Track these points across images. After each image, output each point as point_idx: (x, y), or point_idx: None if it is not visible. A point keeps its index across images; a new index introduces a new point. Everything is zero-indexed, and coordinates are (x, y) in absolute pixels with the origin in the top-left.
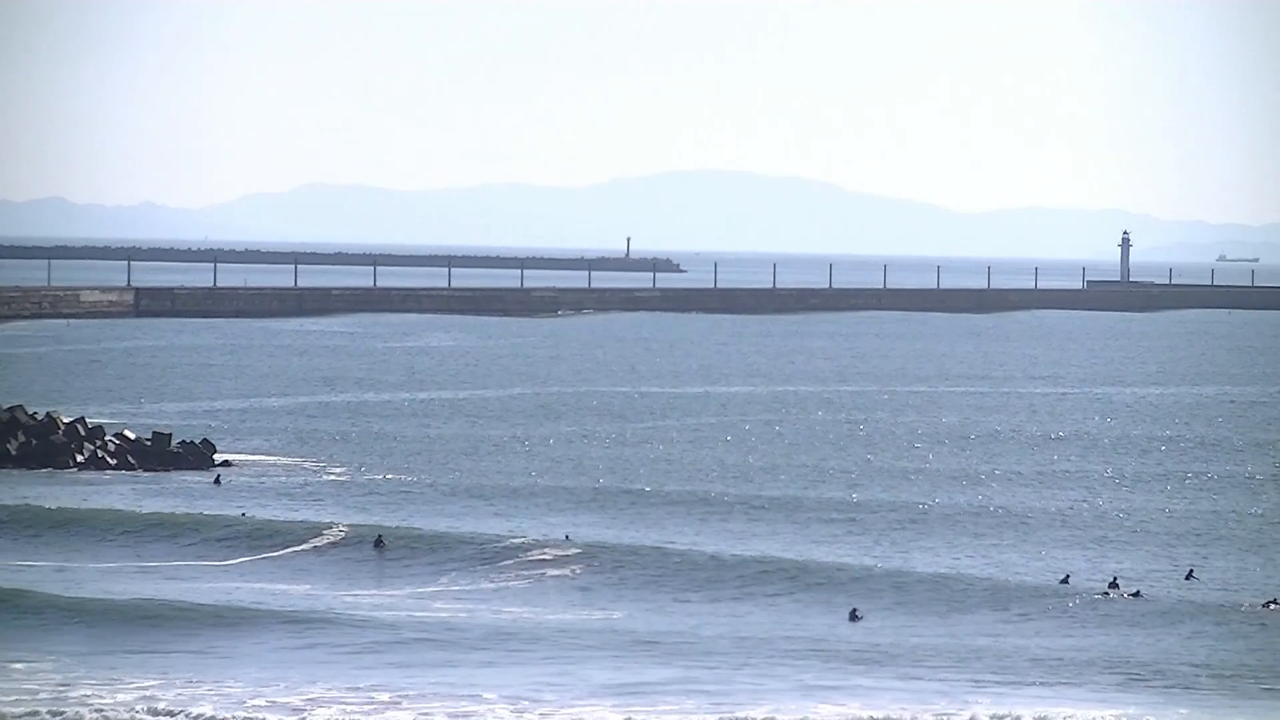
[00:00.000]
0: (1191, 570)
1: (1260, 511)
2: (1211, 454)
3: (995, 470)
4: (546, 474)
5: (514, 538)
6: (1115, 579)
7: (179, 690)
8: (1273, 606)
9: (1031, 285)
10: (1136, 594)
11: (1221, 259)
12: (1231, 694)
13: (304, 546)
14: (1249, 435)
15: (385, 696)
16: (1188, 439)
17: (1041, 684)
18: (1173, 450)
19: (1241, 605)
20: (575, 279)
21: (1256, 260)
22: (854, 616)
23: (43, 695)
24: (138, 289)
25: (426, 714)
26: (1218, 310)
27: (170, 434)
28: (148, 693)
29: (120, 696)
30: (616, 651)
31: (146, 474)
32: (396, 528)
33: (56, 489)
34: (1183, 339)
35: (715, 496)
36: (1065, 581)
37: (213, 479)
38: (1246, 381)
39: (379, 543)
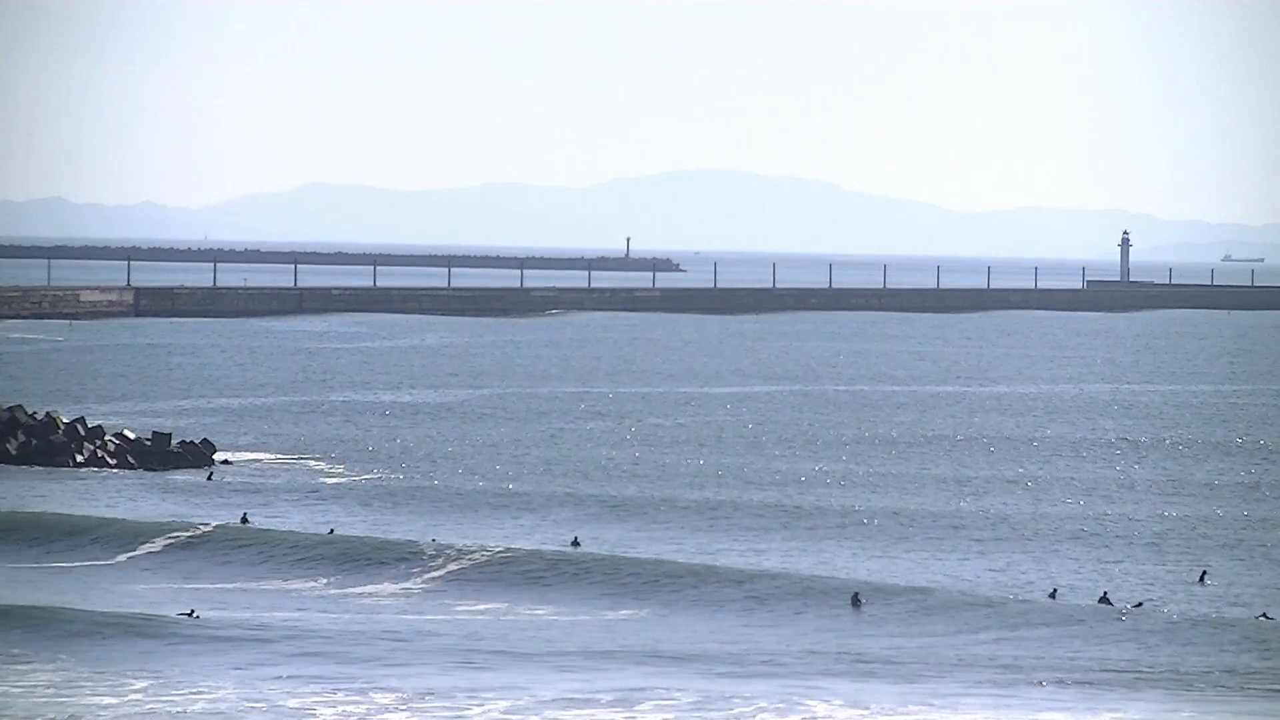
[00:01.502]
0: (1205, 573)
1: (1260, 517)
2: (1211, 456)
3: (993, 475)
4: (545, 478)
5: (520, 545)
6: (1105, 594)
7: (166, 697)
8: (1264, 619)
9: (1031, 285)
10: (1140, 605)
11: (1228, 259)
12: (1233, 699)
13: (285, 547)
14: (1247, 437)
15: (386, 699)
16: (1187, 440)
17: (1045, 686)
18: (1169, 452)
19: (1236, 618)
20: (575, 279)
21: (1262, 260)
22: (856, 601)
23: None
24: (137, 289)
25: (430, 714)
26: (1216, 311)
27: (170, 434)
28: (142, 693)
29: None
30: (610, 654)
31: (148, 474)
32: (389, 539)
33: (53, 486)
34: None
35: (709, 502)
36: (1053, 596)
37: (205, 476)
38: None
39: (331, 533)
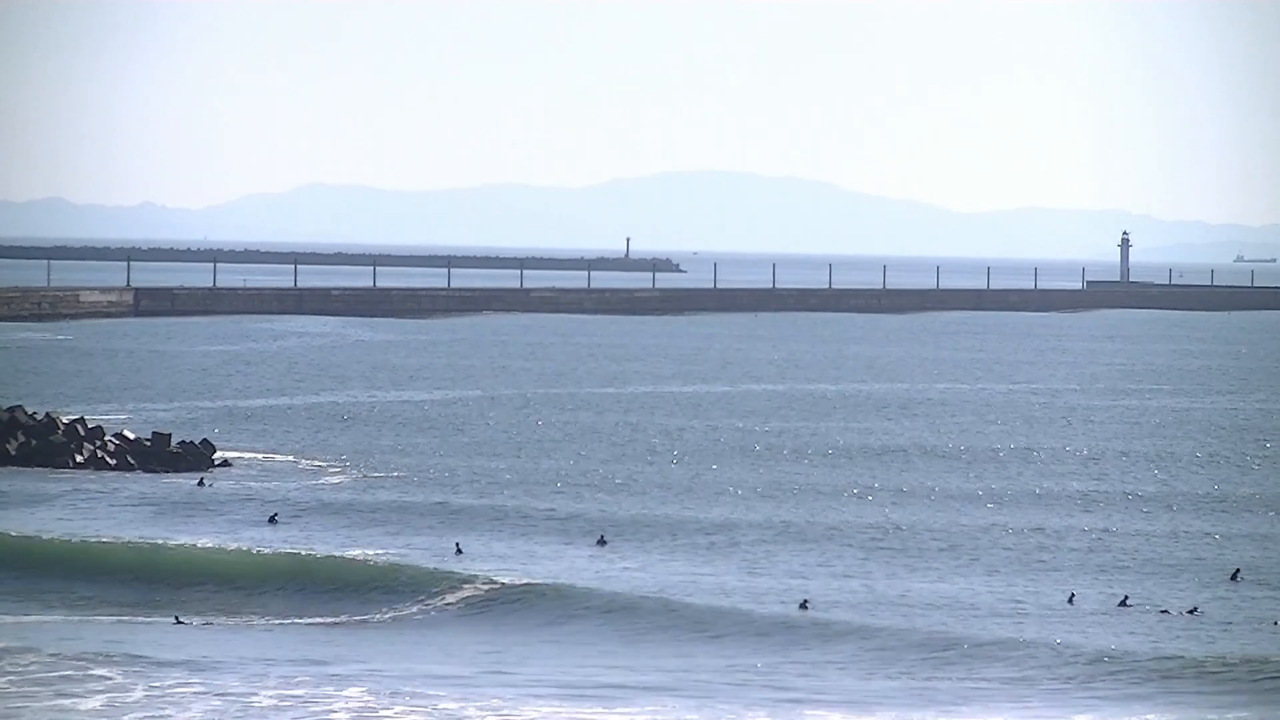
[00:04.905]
0: (1238, 570)
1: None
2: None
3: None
4: (545, 488)
5: (539, 552)
6: (1126, 598)
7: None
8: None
9: (1031, 286)
10: (1194, 610)
11: (1239, 259)
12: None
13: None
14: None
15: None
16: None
17: (1073, 687)
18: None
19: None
20: (575, 279)
21: (1273, 261)
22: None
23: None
24: (137, 289)
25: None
26: (1216, 312)
27: (170, 434)
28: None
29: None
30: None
31: (147, 474)
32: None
33: (52, 488)
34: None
35: (685, 518)
36: (1070, 601)
37: (196, 481)
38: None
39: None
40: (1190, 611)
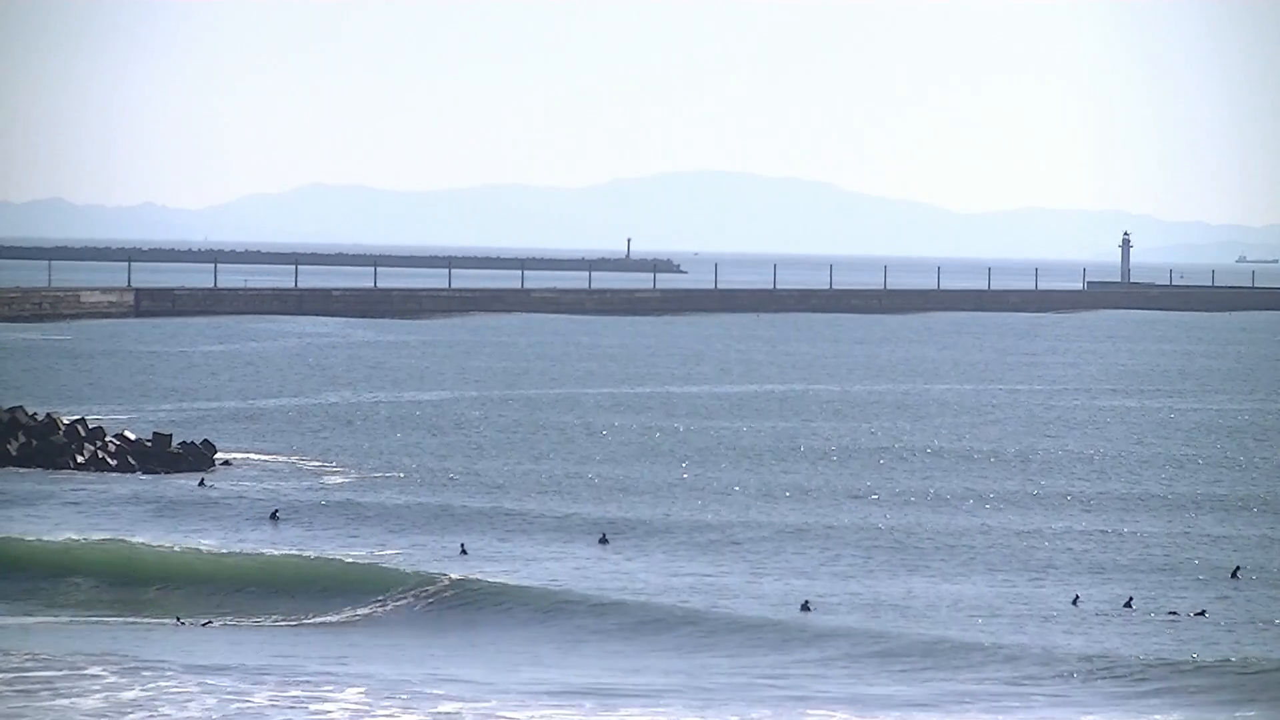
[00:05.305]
0: (1237, 568)
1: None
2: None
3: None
4: (545, 490)
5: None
6: (1130, 599)
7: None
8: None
9: (1032, 286)
10: (1202, 613)
11: (1242, 259)
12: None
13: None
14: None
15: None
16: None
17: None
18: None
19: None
20: (576, 280)
21: (1275, 261)
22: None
23: None
24: (138, 290)
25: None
26: (1217, 313)
27: (170, 435)
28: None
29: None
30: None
31: (148, 475)
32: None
33: (51, 489)
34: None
35: (683, 520)
36: (1075, 603)
37: (197, 482)
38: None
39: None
40: (1199, 614)
